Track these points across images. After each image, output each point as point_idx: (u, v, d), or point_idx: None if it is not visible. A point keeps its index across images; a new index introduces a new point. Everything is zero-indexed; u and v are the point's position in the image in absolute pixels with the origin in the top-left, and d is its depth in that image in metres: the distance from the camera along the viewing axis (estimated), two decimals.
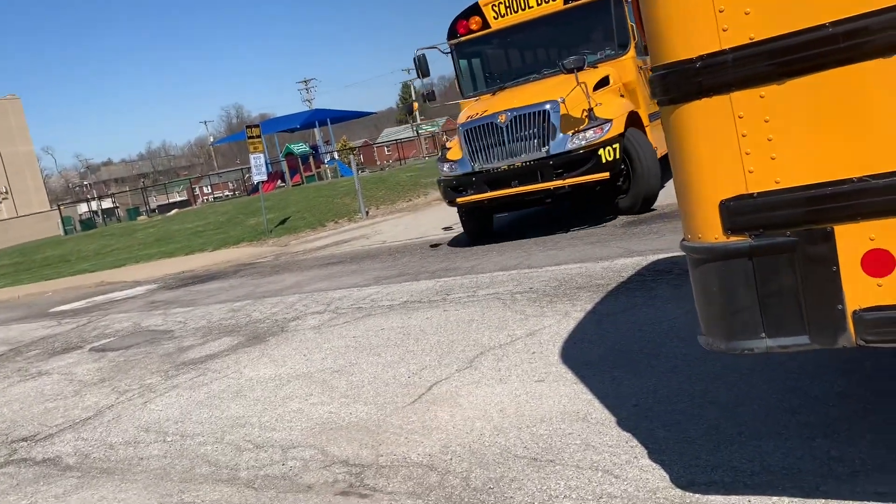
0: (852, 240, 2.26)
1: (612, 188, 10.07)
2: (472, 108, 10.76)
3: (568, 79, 9.90)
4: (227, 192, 69.23)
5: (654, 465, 3.47)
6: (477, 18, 11.49)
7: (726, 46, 2.30)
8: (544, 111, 9.70)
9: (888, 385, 3.69)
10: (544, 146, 9.76)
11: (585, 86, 9.78)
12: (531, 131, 9.83)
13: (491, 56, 12.13)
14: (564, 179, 9.60)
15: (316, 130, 45.69)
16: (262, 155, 19.28)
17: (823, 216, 2.28)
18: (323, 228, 18.92)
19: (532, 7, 11.14)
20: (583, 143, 9.52)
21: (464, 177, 10.40)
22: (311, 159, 40.22)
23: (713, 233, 2.47)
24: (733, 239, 2.44)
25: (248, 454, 4.68)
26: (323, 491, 3.95)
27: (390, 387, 5.35)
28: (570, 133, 9.63)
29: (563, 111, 9.66)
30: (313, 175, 38.86)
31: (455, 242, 11.74)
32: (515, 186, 10.02)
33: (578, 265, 7.86)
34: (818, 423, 3.51)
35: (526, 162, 9.93)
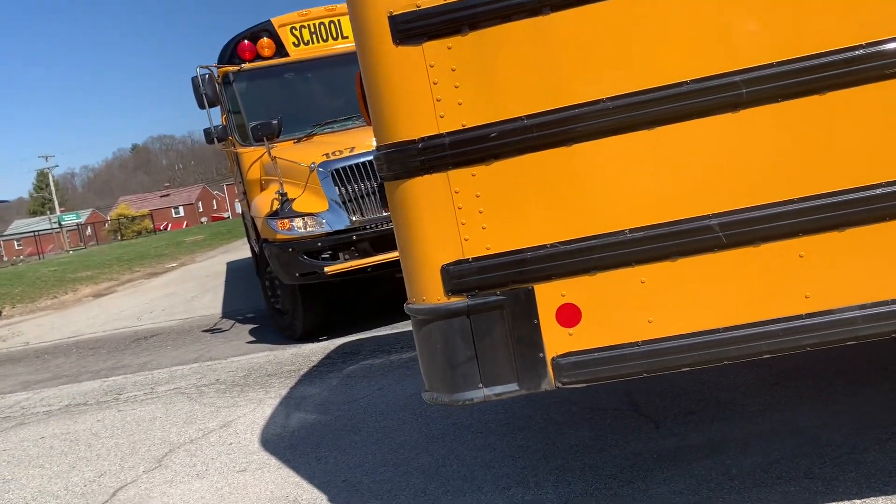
0: (548, 297, 2.67)
1: None
2: (308, 149, 8.15)
3: None
4: None
5: None
6: (269, 42, 8.79)
7: (443, 131, 2.63)
8: None
9: (557, 436, 4.27)
10: None
11: None
12: None
13: (290, 91, 9.27)
14: None
15: None
16: None
17: (525, 277, 2.67)
18: None
19: (349, 38, 8.66)
20: None
21: (336, 236, 7.43)
22: None
23: (436, 295, 2.73)
24: (453, 299, 2.72)
25: None
26: None
27: (62, 499, 4.66)
28: None
29: None
30: None
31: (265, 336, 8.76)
32: None
33: (266, 353, 7.75)
34: (511, 473, 3.91)
35: None
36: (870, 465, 3.30)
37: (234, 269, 17.55)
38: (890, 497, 3.05)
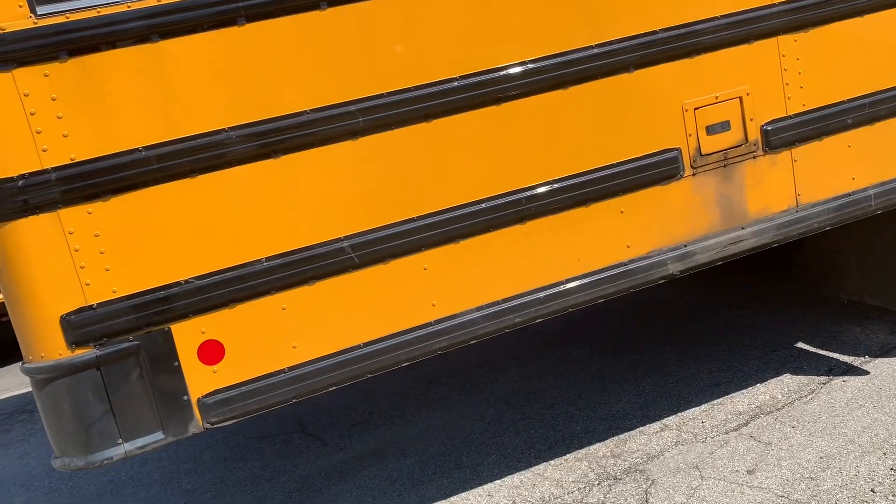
0: (188, 335, 2.55)
1: None
2: None
3: None
4: None
5: None
6: None
7: (48, 166, 2.37)
8: None
9: (226, 473, 4.12)
10: None
11: None
12: None
13: None
14: None
15: None
16: None
17: (160, 318, 2.52)
18: None
19: None
20: None
21: None
22: None
23: (57, 349, 2.45)
24: (79, 352, 2.46)
25: None
26: None
27: None
28: None
29: None
30: None
31: None
32: None
33: None
34: None
35: None
36: (507, 445, 3.72)
37: None
38: (523, 472, 3.47)
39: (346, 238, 2.67)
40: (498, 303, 2.85)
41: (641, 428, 3.63)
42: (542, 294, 2.91)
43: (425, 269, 2.76)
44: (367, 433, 4.22)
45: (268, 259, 2.60)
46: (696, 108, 2.99)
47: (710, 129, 3.01)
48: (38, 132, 2.36)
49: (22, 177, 2.36)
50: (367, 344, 2.72)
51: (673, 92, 2.96)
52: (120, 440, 2.52)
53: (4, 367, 7.53)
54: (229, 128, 2.52)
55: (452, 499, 3.38)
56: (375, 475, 3.72)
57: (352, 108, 2.62)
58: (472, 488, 3.43)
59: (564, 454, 3.54)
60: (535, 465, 3.51)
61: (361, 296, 2.70)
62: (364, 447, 4.07)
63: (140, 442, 2.54)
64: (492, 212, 2.79)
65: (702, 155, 3.02)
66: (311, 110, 2.60)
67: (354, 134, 2.64)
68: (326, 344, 2.68)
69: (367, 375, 2.75)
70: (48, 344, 2.46)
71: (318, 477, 3.84)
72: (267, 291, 2.61)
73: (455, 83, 2.73)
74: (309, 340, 2.67)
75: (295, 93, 2.59)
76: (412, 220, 2.73)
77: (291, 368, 2.65)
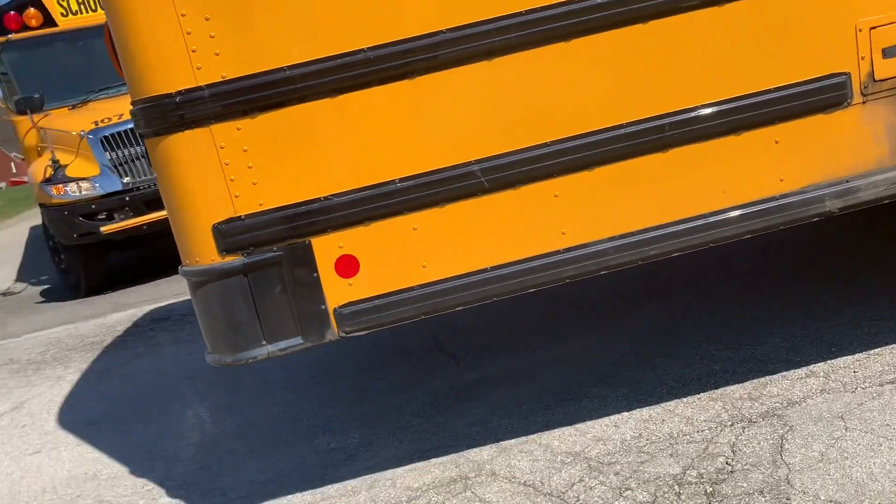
0: (326, 249, 2.69)
1: None
2: (81, 116, 8.67)
3: None
4: None
5: (175, 499, 3.48)
6: (36, 13, 9.09)
7: (202, 83, 2.53)
8: None
9: (366, 381, 4.36)
10: None
11: None
12: None
13: (62, 60, 9.65)
14: None
15: None
16: None
17: (302, 231, 2.67)
18: None
19: None
20: None
21: (109, 197, 8.19)
22: None
23: (210, 255, 2.66)
24: (228, 259, 2.66)
25: None
26: None
27: None
28: None
29: None
30: None
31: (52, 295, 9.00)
32: None
33: (65, 326, 7.25)
34: (318, 423, 3.96)
35: None
36: (638, 380, 3.66)
37: (37, 235, 16.10)
38: (653, 407, 3.41)
39: (476, 162, 2.67)
40: (632, 234, 2.76)
41: (785, 373, 3.44)
42: (681, 227, 2.78)
43: (556, 196, 2.71)
44: (500, 356, 4.29)
45: (401, 180, 2.66)
46: (871, 28, 2.67)
47: (888, 52, 2.69)
48: (194, 51, 2.51)
49: (179, 93, 2.53)
50: (494, 268, 2.74)
51: (845, 8, 2.66)
52: (264, 342, 2.73)
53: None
54: (368, 48, 2.56)
55: (578, 426, 3.39)
56: (504, 396, 3.79)
57: (488, 27, 2.57)
58: (598, 418, 3.42)
59: (698, 393, 3.44)
60: (665, 401, 3.43)
61: (490, 220, 2.71)
62: (496, 369, 4.15)
63: (282, 345, 2.74)
64: (631, 138, 2.68)
65: (875, 81, 2.71)
66: (448, 30, 2.58)
67: (489, 54, 2.60)
68: (455, 265, 2.73)
69: (493, 298, 2.78)
70: (201, 250, 2.68)
71: (451, 392, 3.97)
72: (400, 211, 2.68)
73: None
74: (438, 261, 2.72)
75: (431, 12, 2.57)
76: (544, 145, 2.68)
77: (421, 286, 2.73)
